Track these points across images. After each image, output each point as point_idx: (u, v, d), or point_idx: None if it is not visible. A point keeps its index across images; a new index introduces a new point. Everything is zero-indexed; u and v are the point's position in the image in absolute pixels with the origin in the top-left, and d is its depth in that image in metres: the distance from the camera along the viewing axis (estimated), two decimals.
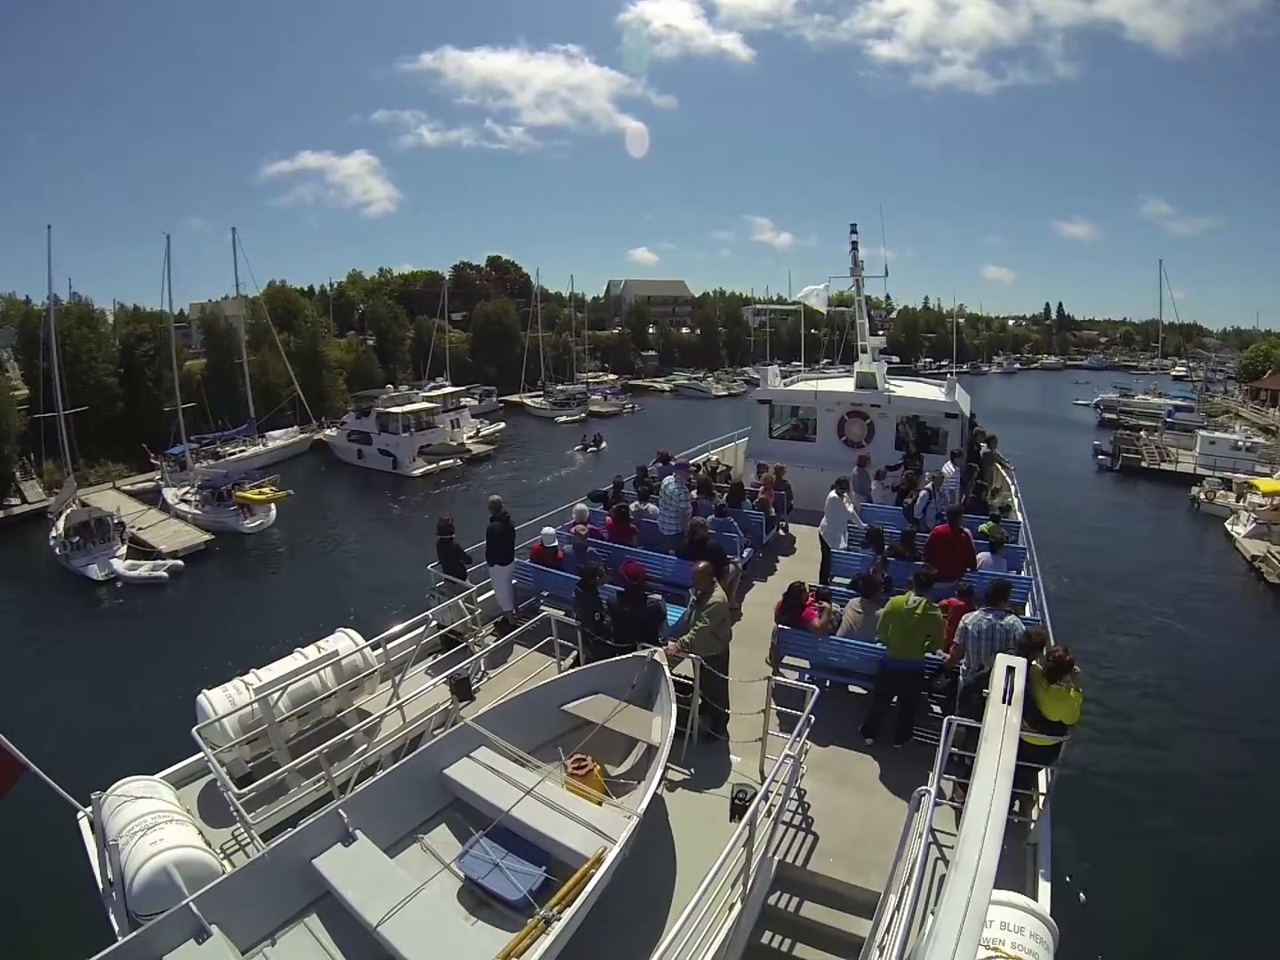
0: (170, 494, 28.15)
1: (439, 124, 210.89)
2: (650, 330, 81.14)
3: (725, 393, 64.66)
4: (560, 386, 59.12)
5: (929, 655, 6.30)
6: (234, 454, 34.96)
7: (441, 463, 34.74)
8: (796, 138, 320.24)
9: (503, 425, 44.27)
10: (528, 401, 55.88)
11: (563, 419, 51.07)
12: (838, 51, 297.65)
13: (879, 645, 6.32)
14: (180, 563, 22.20)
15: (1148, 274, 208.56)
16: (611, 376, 68.50)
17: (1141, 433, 39.84)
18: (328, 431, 39.77)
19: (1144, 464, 34.68)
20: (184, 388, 37.51)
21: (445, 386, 46.39)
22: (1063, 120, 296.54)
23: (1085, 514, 27.89)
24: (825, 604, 7.13)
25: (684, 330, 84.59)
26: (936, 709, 6.43)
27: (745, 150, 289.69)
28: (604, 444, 40.36)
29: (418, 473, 33.88)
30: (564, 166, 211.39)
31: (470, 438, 40.49)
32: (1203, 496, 28.12)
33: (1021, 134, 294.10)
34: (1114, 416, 49.53)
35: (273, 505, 26.19)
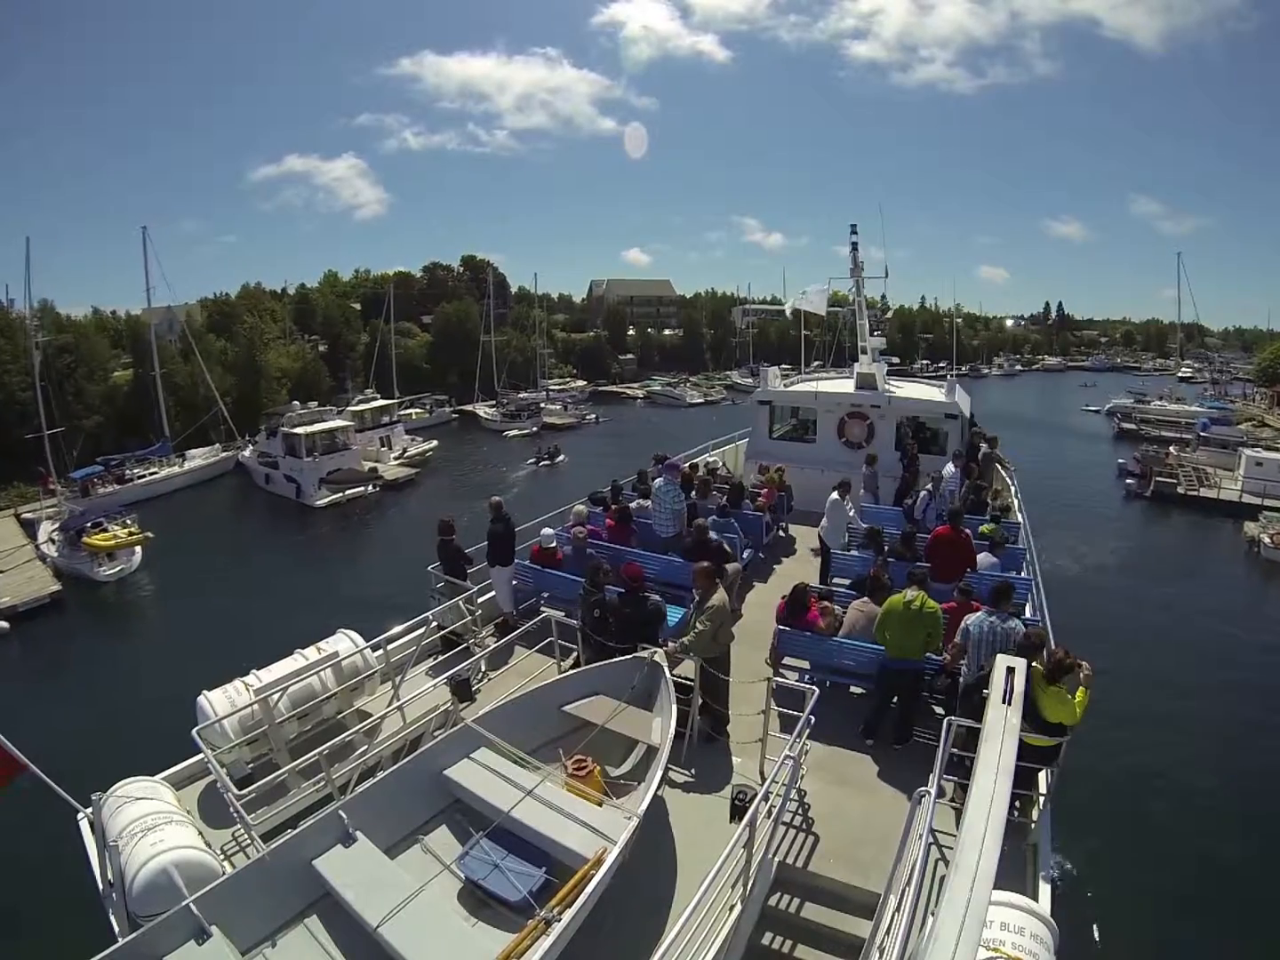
0: (44, 530, 24.48)
1: (422, 128, 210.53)
2: (629, 332, 77.22)
3: (702, 400, 60.03)
4: (521, 395, 53.97)
5: (929, 656, 6.32)
6: (145, 476, 31.59)
7: (348, 491, 30.08)
8: (779, 138, 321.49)
9: (435, 444, 38.82)
10: (480, 412, 50.52)
11: (512, 433, 45.60)
12: (814, 52, 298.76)
13: (880, 646, 6.32)
14: (4, 624, 18.34)
15: (1142, 273, 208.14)
16: (580, 383, 64.43)
17: (1171, 448, 34.22)
18: (245, 452, 35.32)
19: (1180, 489, 29.06)
20: (109, 401, 36.01)
21: (376, 399, 41.77)
22: (1047, 119, 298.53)
23: (1122, 565, 22.33)
24: (827, 605, 7.14)
25: (666, 332, 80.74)
26: (938, 710, 6.43)
27: (728, 151, 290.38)
28: (561, 457, 36.81)
29: (321, 503, 29.39)
30: (550, 169, 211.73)
31: (396, 459, 36.17)
32: (1266, 539, 23.00)
33: (1006, 133, 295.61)
34: (1133, 426, 44.89)
35: (138, 549, 22.27)
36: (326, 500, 29.59)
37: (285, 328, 52.51)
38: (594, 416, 51.76)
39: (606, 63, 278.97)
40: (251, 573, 22.93)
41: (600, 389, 65.16)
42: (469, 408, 52.11)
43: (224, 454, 35.76)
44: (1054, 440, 43.65)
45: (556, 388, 59.40)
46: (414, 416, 46.73)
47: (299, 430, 31.20)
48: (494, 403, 52.44)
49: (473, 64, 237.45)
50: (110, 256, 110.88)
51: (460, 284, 71.27)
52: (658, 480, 9.53)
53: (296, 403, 35.74)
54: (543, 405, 51.35)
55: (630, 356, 74.37)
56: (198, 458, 35.08)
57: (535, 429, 46.45)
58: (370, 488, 31.19)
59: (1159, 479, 29.68)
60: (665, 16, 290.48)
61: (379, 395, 43.69)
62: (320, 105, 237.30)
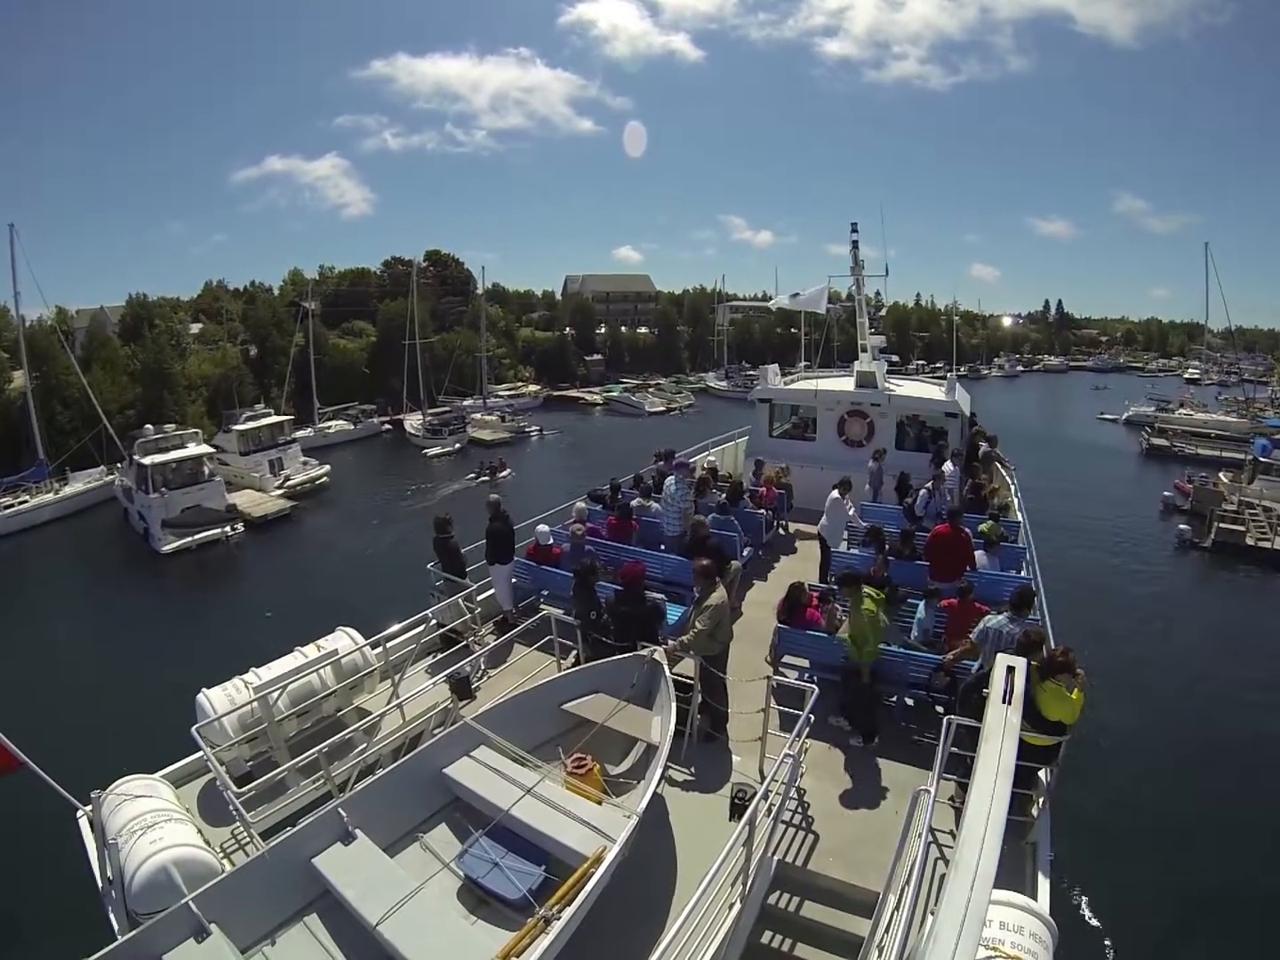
0: None
1: (401, 128, 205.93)
2: (599, 331, 70.75)
3: (663, 408, 52.71)
4: (466, 402, 47.87)
5: (930, 655, 6.39)
6: (12, 506, 26.91)
7: (197, 536, 24.07)
8: (758, 137, 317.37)
9: (327, 469, 32.84)
10: (408, 425, 43.45)
11: (434, 451, 38.66)
12: (786, 50, 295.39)
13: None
14: None
15: (1132, 272, 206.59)
16: (533, 387, 58.18)
17: (1222, 474, 27.64)
18: (121, 480, 28.96)
19: (1249, 539, 22.08)
20: (2, 416, 32.15)
21: (268, 414, 35.01)
22: (1025, 116, 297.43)
23: (1189, 665, 15.23)
24: (829, 607, 7.14)
25: (641, 330, 74.28)
26: (938, 709, 6.43)
27: (709, 150, 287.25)
28: (505, 472, 32.45)
29: (169, 549, 23.49)
30: (531, 168, 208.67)
31: (277, 488, 30.34)
32: None
33: (985, 131, 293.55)
34: (1164, 442, 37.88)
35: None
36: (174, 546, 23.73)
37: (232, 329, 48.70)
38: (536, 429, 44.51)
39: (579, 62, 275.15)
40: (62, 646, 16.99)
41: (557, 394, 58.47)
42: (403, 418, 45.42)
43: (107, 479, 30.38)
44: (1071, 459, 36.30)
45: (507, 393, 53.70)
46: (334, 430, 42.20)
47: (145, 460, 25.30)
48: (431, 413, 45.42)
49: (445, 65, 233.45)
50: (97, 256, 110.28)
51: (423, 280, 63.78)
52: (668, 479, 9.54)
53: (150, 426, 28.99)
54: (474, 416, 44.69)
55: (598, 357, 67.61)
56: (78, 483, 29.87)
57: (458, 446, 39.45)
58: (228, 530, 25.09)
59: (1221, 524, 22.62)
60: (635, 15, 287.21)
61: (272, 410, 36.31)
62: (296, 108, 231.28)
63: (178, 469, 25.92)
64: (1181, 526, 23.80)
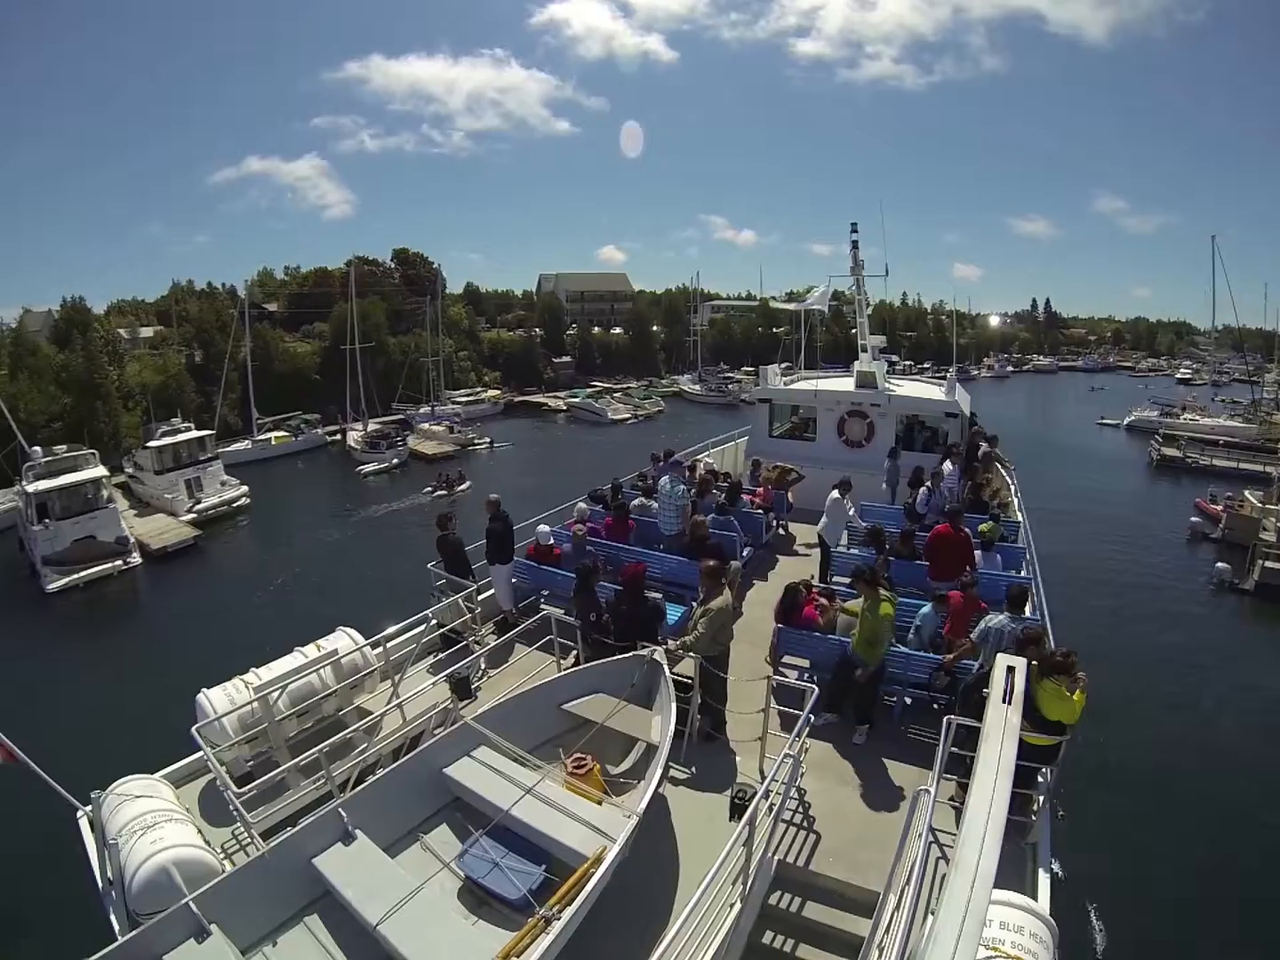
0: None
1: (378, 130, 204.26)
2: (569, 332, 68.12)
3: (629, 416, 49.24)
4: (423, 409, 44.27)
5: (930, 655, 6.39)
6: None
7: (84, 573, 21.30)
8: (736, 137, 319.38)
9: (245, 490, 29.74)
10: (350, 439, 39.83)
11: (370, 468, 35.06)
12: (760, 50, 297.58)
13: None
14: None
15: (1114, 271, 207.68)
16: (492, 392, 54.84)
17: (1248, 492, 24.19)
18: (18, 504, 25.49)
19: None
20: None
21: (187, 429, 31.11)
22: (1001, 115, 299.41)
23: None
24: (825, 603, 7.15)
25: (615, 331, 71.75)
26: (936, 708, 6.44)
27: (688, 150, 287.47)
28: (464, 485, 30.24)
29: (53, 588, 20.76)
30: (510, 169, 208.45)
31: (187, 513, 27.08)
32: None
33: (962, 130, 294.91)
34: (1176, 453, 34.28)
35: None
36: (59, 585, 20.93)
37: (184, 333, 47.12)
38: (487, 440, 40.81)
39: (554, 63, 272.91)
40: None
41: (521, 399, 55.83)
42: (347, 428, 42.00)
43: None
44: (1076, 472, 32.79)
45: (465, 399, 50.53)
46: (274, 442, 39.14)
47: (29, 487, 22.45)
48: (374, 423, 41.94)
49: (419, 66, 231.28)
50: (81, 256, 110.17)
51: (390, 280, 60.55)
52: (663, 479, 9.56)
53: (38, 449, 25.04)
54: (420, 426, 41.57)
55: (567, 359, 65.11)
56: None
57: (397, 462, 36.01)
58: (121, 564, 22.24)
59: (1266, 563, 19.23)
60: (607, 16, 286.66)
61: (191, 424, 32.27)
62: (272, 109, 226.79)
63: (74, 494, 22.88)
64: (1219, 565, 20.31)
